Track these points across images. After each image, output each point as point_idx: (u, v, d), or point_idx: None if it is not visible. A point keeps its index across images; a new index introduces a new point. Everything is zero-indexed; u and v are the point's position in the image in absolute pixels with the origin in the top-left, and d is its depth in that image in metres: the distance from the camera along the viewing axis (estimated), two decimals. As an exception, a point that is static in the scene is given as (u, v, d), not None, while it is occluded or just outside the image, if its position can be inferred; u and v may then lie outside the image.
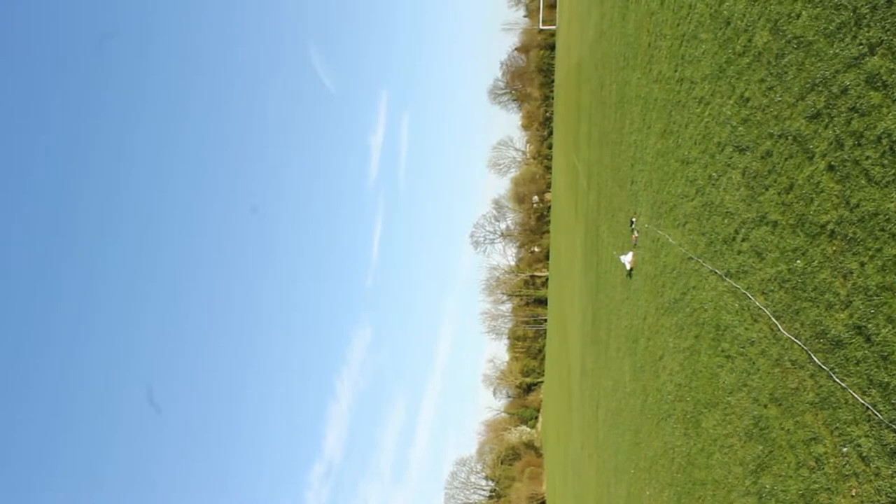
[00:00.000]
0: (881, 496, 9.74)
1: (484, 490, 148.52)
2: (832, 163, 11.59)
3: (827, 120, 11.84)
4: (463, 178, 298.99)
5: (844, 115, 11.21)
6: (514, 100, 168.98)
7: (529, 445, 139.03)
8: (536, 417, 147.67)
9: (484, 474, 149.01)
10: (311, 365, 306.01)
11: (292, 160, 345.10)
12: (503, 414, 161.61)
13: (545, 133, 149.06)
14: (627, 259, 31.25)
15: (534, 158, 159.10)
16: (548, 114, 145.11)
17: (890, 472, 9.58)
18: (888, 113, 9.88)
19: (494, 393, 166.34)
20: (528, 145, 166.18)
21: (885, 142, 9.91)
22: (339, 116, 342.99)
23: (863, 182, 10.54)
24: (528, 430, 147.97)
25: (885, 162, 9.90)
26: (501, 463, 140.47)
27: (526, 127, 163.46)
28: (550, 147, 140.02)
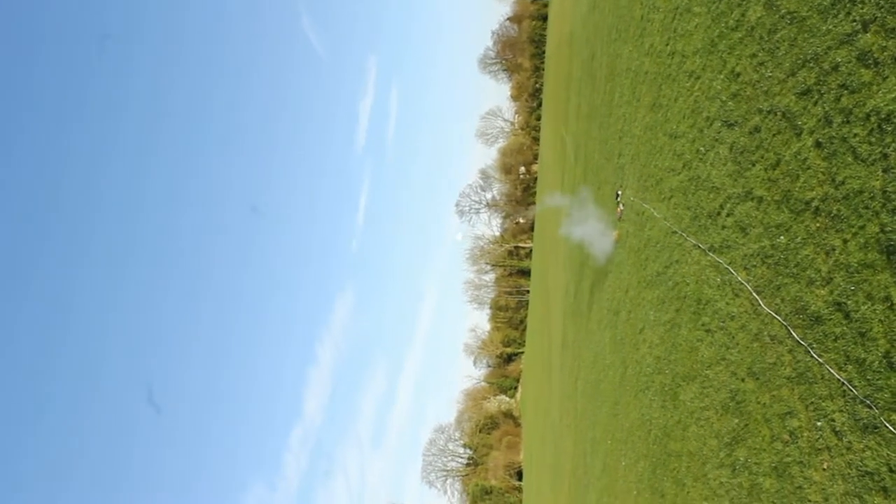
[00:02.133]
0: (852, 470, 9.89)
1: (462, 457, 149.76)
2: (819, 139, 11.60)
3: (816, 96, 11.83)
4: (450, 147, 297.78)
5: (834, 91, 11.20)
6: (504, 70, 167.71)
7: (508, 415, 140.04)
8: (516, 387, 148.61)
9: (462, 442, 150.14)
10: (293, 328, 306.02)
11: (281, 124, 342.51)
12: (483, 383, 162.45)
13: (534, 104, 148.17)
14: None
15: (522, 129, 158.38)
16: (538, 85, 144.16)
17: (861, 446, 9.72)
18: (878, 90, 9.89)
19: (475, 362, 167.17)
20: (516, 116, 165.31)
21: (873, 119, 9.92)
22: (328, 81, 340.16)
23: (849, 159, 10.57)
24: (507, 399, 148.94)
25: (873, 140, 9.91)
26: (480, 431, 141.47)
27: (515, 97, 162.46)
28: (539, 118, 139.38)
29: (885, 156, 9.60)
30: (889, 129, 9.55)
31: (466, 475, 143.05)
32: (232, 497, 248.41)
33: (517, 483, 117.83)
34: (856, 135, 10.40)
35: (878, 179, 9.75)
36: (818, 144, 11.65)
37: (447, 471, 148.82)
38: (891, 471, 9.06)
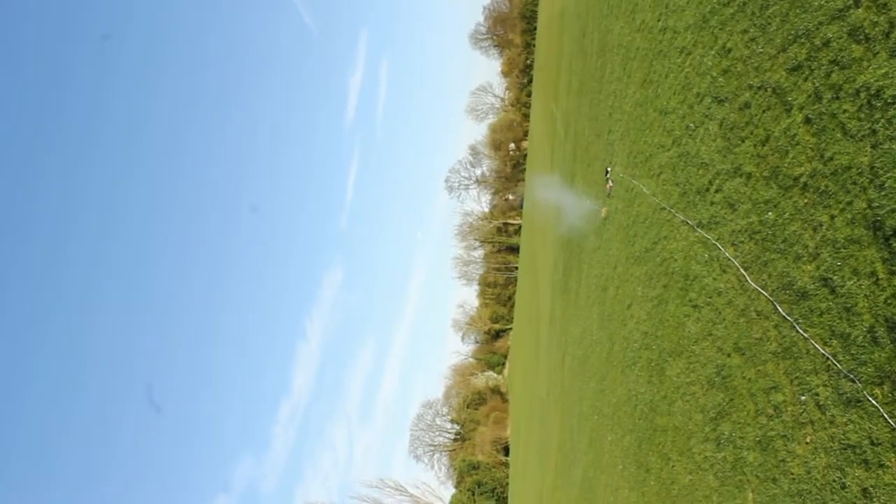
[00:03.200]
0: (834, 443, 10.01)
1: (449, 433, 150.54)
2: (809, 115, 11.61)
3: (807, 72, 11.82)
4: (440, 123, 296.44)
5: (825, 67, 11.19)
6: (495, 45, 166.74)
7: (495, 391, 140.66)
8: (503, 364, 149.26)
9: (449, 417, 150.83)
10: (281, 304, 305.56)
11: (269, 97, 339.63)
12: (471, 359, 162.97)
13: (525, 80, 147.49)
14: None
15: (512, 105, 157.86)
16: (528, 61, 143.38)
17: (844, 419, 9.82)
18: (868, 66, 9.88)
19: (463, 338, 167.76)
20: (507, 92, 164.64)
21: (863, 95, 9.93)
22: (318, 56, 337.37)
23: (838, 135, 10.59)
24: (495, 375, 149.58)
25: (862, 115, 9.92)
26: (467, 407, 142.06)
27: (506, 73, 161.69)
28: (529, 95, 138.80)
29: (874, 131, 9.62)
30: (878, 104, 9.56)
31: (453, 450, 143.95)
32: (221, 470, 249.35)
33: (504, 458, 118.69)
34: (845, 111, 10.41)
35: (866, 155, 9.78)
36: (808, 120, 11.67)
37: (434, 446, 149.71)
38: (872, 444, 9.17)
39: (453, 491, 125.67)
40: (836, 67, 10.83)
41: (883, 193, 9.38)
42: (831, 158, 10.74)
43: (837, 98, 10.68)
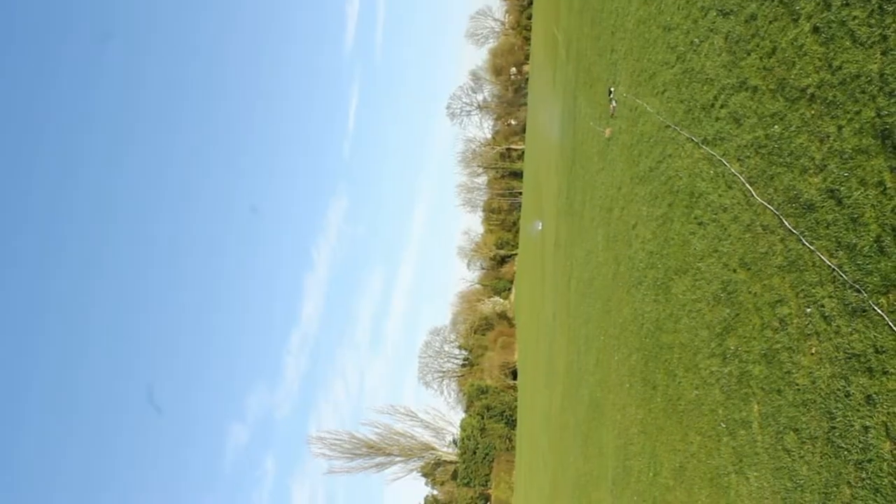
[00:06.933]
0: (839, 353, 10.11)
1: (457, 359, 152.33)
2: (818, 24, 11.36)
3: (815, -21, 11.51)
4: (440, 49, 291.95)
5: (834, -27, 10.89)
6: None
7: (502, 316, 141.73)
8: (509, 289, 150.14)
9: (457, 343, 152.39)
10: (287, 235, 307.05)
11: (266, 25, 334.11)
12: (477, 285, 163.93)
13: (525, 2, 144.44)
14: None
15: (513, 29, 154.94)
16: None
17: (849, 329, 9.90)
18: (879, -31, 9.61)
19: (468, 265, 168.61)
20: (507, 15, 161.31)
21: (874, 0, 9.68)
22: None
23: (847, 43, 10.37)
24: (501, 301, 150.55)
25: (872, 22, 9.70)
26: (474, 333, 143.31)
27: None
28: (530, 17, 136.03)
29: (885, 37, 9.41)
30: (890, 9, 9.34)
31: (462, 375, 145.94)
32: (236, 400, 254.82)
33: (512, 382, 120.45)
34: (855, 17, 10.17)
35: (876, 62, 9.60)
36: (816, 30, 11.42)
37: (443, 372, 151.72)
38: (877, 352, 9.26)
39: (463, 415, 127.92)
40: (845, -28, 10.54)
41: (892, 101, 9.24)
42: (840, 67, 10.55)
43: (847, 4, 10.42)
